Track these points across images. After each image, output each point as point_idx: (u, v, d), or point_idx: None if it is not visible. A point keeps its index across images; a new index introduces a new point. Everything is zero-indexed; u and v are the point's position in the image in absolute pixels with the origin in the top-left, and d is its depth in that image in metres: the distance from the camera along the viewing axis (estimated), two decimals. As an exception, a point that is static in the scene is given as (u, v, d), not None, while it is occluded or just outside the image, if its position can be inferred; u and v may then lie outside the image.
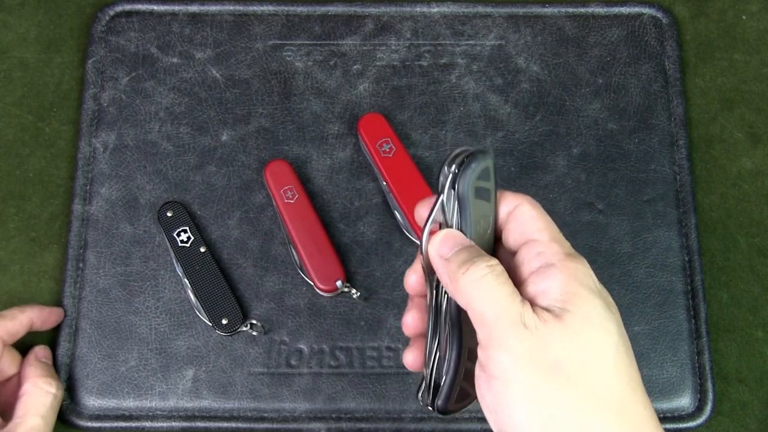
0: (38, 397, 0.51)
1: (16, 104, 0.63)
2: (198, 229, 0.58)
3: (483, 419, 0.55)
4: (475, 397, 0.40)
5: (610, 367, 0.35)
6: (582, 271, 0.37)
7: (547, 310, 0.36)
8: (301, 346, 0.56)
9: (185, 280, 0.57)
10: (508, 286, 0.36)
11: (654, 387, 0.55)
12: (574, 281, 0.36)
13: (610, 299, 0.38)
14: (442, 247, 0.38)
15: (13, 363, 0.54)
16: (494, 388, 0.36)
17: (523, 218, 0.39)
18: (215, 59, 0.63)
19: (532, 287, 0.37)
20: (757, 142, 0.62)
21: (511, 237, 0.39)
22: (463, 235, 0.39)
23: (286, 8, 0.65)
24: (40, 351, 0.55)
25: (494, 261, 0.37)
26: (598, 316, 0.36)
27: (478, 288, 0.36)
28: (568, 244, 0.39)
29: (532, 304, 0.36)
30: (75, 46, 0.64)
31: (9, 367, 0.53)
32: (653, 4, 0.65)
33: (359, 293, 0.57)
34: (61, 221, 0.60)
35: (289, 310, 0.57)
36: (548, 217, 0.39)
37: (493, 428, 0.38)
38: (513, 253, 0.39)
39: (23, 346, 0.55)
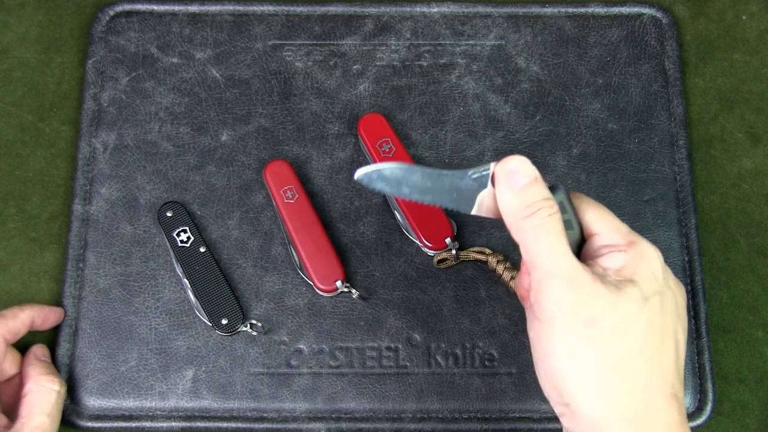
0: (42, 395, 0.51)
1: (16, 104, 0.63)
2: (198, 229, 0.58)
3: (483, 419, 0.55)
4: None
5: (637, 342, 0.39)
6: (645, 253, 0.41)
7: (607, 280, 0.40)
8: (301, 346, 0.56)
9: (185, 280, 0.57)
10: (564, 238, 0.40)
11: (654, 387, 0.55)
12: (638, 264, 0.40)
13: (670, 283, 0.42)
14: (521, 172, 0.41)
15: (15, 363, 0.54)
16: (536, 329, 0.40)
17: (584, 215, 0.42)
18: (215, 59, 0.63)
19: (600, 263, 0.41)
20: (757, 142, 0.62)
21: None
22: (530, 165, 0.41)
23: (286, 8, 0.65)
24: (39, 350, 0.55)
25: (555, 208, 0.40)
26: (654, 298, 0.40)
27: (537, 234, 0.40)
28: (626, 228, 0.42)
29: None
30: (75, 46, 0.64)
31: (10, 367, 0.53)
32: (653, 4, 0.65)
33: (359, 293, 0.57)
34: (61, 221, 0.60)
35: (289, 310, 0.57)
36: (603, 207, 0.43)
37: (535, 365, 0.41)
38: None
39: (21, 347, 0.55)
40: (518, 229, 0.40)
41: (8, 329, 0.52)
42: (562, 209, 0.41)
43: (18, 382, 0.53)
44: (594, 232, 0.42)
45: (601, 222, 0.42)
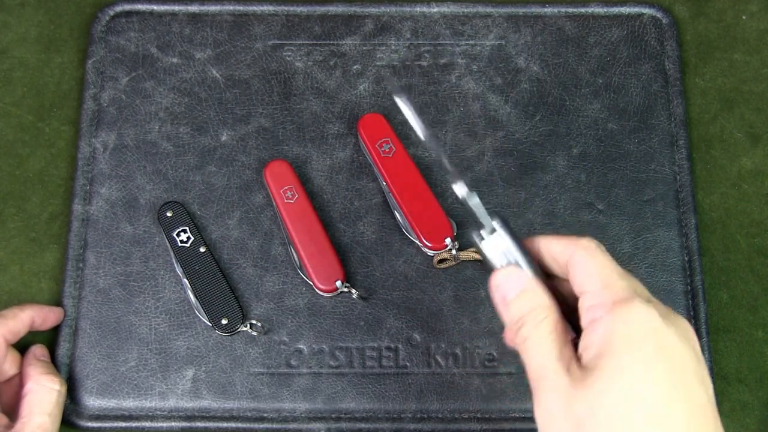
0: (43, 394, 0.51)
1: (16, 104, 0.63)
2: (198, 229, 0.58)
3: (483, 419, 0.55)
4: None
5: (637, 419, 0.34)
6: (628, 317, 0.36)
7: (585, 367, 0.36)
8: (301, 346, 0.56)
9: (185, 280, 0.57)
10: (553, 345, 0.37)
11: (654, 387, 0.55)
12: (613, 334, 0.35)
13: (673, 338, 0.35)
14: (504, 287, 0.40)
15: (15, 363, 0.54)
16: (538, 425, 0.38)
17: (575, 269, 0.39)
18: (215, 59, 0.63)
19: (581, 342, 0.37)
20: (757, 142, 0.62)
21: (574, 288, 0.39)
22: (524, 273, 0.40)
23: (286, 8, 0.65)
24: (38, 350, 0.55)
25: (544, 314, 0.38)
26: (635, 367, 0.34)
27: (526, 345, 0.38)
28: (621, 284, 0.37)
29: (579, 360, 0.37)
30: (75, 46, 0.64)
31: (10, 367, 0.53)
32: (653, 4, 0.65)
33: (359, 293, 0.57)
34: (61, 221, 0.60)
35: (288, 310, 0.57)
36: (602, 258, 0.38)
37: None
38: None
39: (20, 347, 0.55)
40: (513, 338, 0.40)
41: (8, 329, 0.52)
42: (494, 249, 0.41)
43: (18, 382, 0.53)
44: (583, 290, 0.38)
45: (594, 277, 0.38)
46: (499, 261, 0.41)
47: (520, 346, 0.39)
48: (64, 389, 0.52)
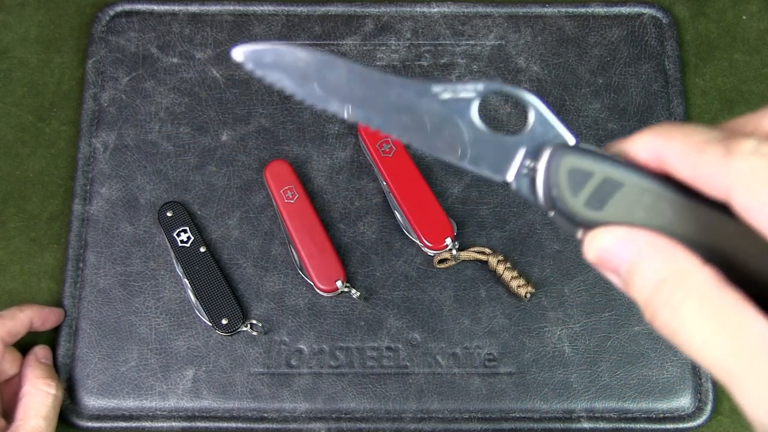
0: (38, 398, 0.51)
1: (16, 104, 0.63)
2: (198, 229, 0.58)
3: (483, 419, 0.55)
4: None
5: None
6: None
7: None
8: (301, 346, 0.56)
9: (185, 280, 0.57)
10: (740, 300, 0.24)
11: (654, 387, 0.55)
12: None
13: None
14: (606, 264, 0.26)
15: (14, 363, 0.54)
16: None
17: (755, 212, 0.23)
18: (215, 59, 0.63)
19: None
20: (757, 142, 0.62)
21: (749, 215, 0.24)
22: (625, 236, 0.26)
23: (286, 8, 0.65)
24: (40, 351, 0.55)
25: (698, 270, 0.24)
26: None
27: (684, 321, 0.24)
28: None
29: None
30: (75, 46, 0.64)
31: (10, 367, 0.53)
32: (653, 4, 0.65)
33: (359, 293, 0.57)
34: (61, 221, 0.60)
35: (289, 310, 0.57)
36: None
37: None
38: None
39: (22, 347, 0.55)
40: (654, 319, 0.25)
41: (7, 330, 0.52)
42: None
43: (18, 382, 0.53)
44: None
45: None
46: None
47: (672, 327, 0.25)
48: (60, 393, 0.53)
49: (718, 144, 0.24)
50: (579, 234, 0.27)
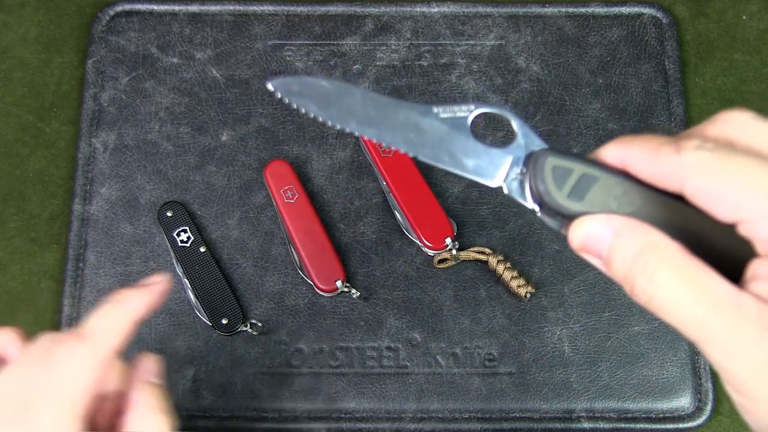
0: None
1: (16, 104, 0.63)
2: (198, 229, 0.58)
3: (483, 419, 0.55)
4: None
5: None
6: None
7: None
8: (301, 346, 0.56)
9: (185, 280, 0.57)
10: (702, 267, 0.27)
11: (654, 387, 0.55)
12: None
13: None
14: (588, 249, 0.30)
15: (117, 376, 0.39)
16: (741, 407, 0.27)
17: (712, 192, 0.28)
18: (215, 59, 0.63)
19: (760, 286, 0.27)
20: (757, 142, 0.62)
21: (713, 206, 0.28)
22: (615, 217, 0.30)
23: (286, 8, 0.65)
24: (149, 364, 0.39)
25: (666, 243, 0.28)
26: None
27: (658, 285, 0.28)
28: None
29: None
30: (75, 46, 0.64)
31: (111, 381, 0.38)
32: (653, 4, 0.65)
33: (359, 293, 0.57)
34: (61, 221, 0.60)
35: (289, 310, 0.57)
36: (750, 164, 0.27)
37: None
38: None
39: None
40: (633, 291, 0.29)
41: (133, 316, 0.39)
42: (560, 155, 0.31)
43: (117, 405, 0.38)
44: (737, 219, 0.27)
45: (749, 197, 0.27)
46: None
47: (649, 293, 0.28)
48: None
49: (670, 145, 0.29)
50: (564, 229, 0.31)
